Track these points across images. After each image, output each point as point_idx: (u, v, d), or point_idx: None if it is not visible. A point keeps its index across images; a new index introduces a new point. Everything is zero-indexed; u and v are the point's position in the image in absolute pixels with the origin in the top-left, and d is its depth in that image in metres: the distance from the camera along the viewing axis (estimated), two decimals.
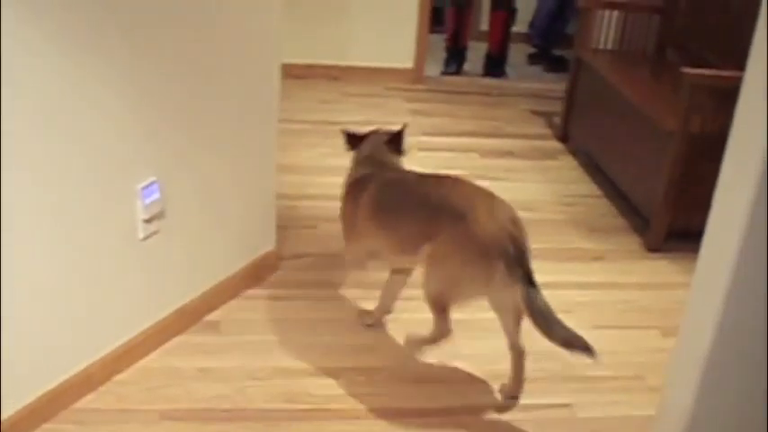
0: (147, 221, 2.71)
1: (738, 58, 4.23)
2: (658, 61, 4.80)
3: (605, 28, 4.95)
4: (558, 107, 5.46)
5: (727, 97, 3.95)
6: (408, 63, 5.69)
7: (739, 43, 4.26)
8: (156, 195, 2.73)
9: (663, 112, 3.94)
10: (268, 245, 3.39)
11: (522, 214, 4.10)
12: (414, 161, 4.59)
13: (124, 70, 2.45)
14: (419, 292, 2.72)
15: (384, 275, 3.12)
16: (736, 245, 2.31)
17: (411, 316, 3.08)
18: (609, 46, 5.06)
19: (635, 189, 4.15)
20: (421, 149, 4.69)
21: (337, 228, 3.25)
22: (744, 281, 2.27)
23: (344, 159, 4.43)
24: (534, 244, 3.85)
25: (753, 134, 2.14)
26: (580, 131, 4.82)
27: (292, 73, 5.23)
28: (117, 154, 2.53)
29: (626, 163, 4.23)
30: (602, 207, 4.31)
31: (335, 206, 4.00)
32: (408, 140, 4.84)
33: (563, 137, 5.02)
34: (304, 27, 5.45)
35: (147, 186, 2.68)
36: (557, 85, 6.03)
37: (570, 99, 4.89)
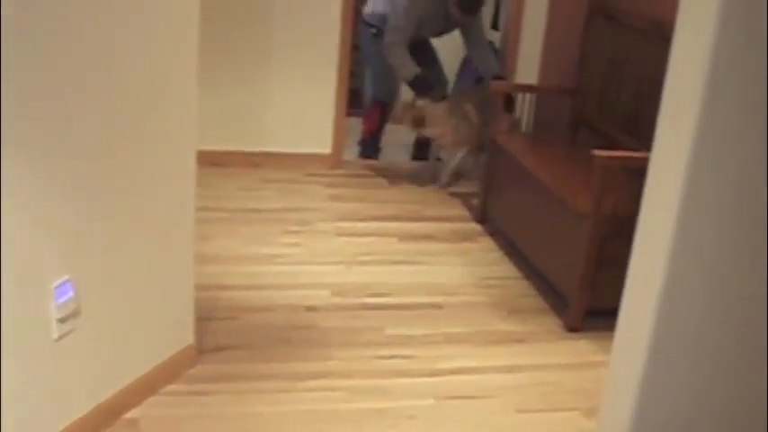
0: (62, 321, 2.65)
1: (646, 139, 4.39)
2: (571, 143, 4.92)
3: (524, 111, 5.05)
4: (475, 187, 5.55)
5: (637, 178, 4.10)
6: (326, 148, 5.73)
7: (646, 124, 4.42)
8: (70, 294, 2.68)
9: (576, 194, 4.02)
10: (187, 338, 3.34)
11: (441, 299, 4.18)
12: (332, 247, 4.63)
13: (34, 161, 2.41)
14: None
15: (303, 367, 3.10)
16: (650, 323, 2.36)
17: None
18: (528, 128, 5.18)
19: (552, 270, 4.21)
20: (339, 235, 4.72)
21: (259, 318, 3.25)
22: (660, 356, 2.32)
23: (265, 247, 4.45)
24: (455, 328, 3.90)
25: (661, 213, 2.21)
26: (498, 213, 4.89)
27: (211, 160, 5.24)
28: (28, 251, 2.47)
29: (543, 244, 4.30)
30: (521, 288, 4.36)
31: (257, 296, 4.00)
32: (326, 227, 4.88)
33: (481, 219, 5.08)
34: (222, 113, 5.47)
35: (60, 285, 2.63)
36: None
37: (487, 181, 4.97)
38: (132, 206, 2.86)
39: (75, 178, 2.59)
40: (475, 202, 5.35)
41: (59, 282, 2.63)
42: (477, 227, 5.06)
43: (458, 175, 5.69)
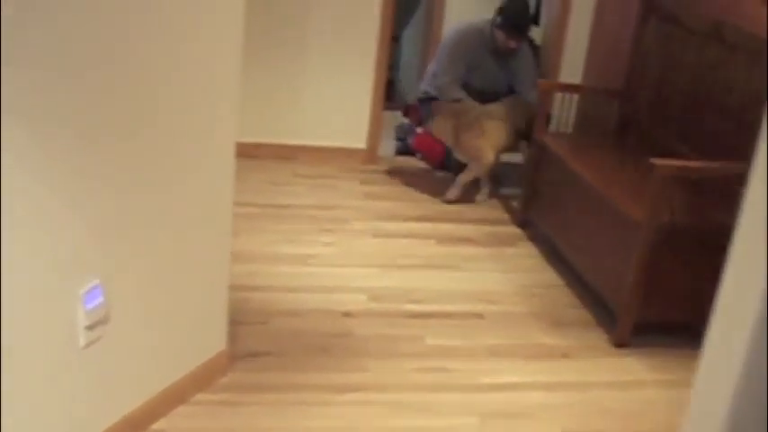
0: (89, 328, 2.48)
1: (700, 147, 4.19)
2: (619, 146, 4.71)
3: (565, 110, 4.85)
4: (517, 188, 5.34)
5: (695, 188, 3.91)
6: (361, 143, 5.53)
7: (701, 132, 4.22)
8: (100, 299, 2.51)
9: (629, 202, 3.83)
10: (219, 344, 3.16)
11: (482, 307, 3.99)
12: (368, 248, 4.44)
13: (61, 162, 2.24)
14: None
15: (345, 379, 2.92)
16: (742, 349, 2.15)
17: None
18: (569, 129, 4.98)
19: (599, 280, 4.01)
20: (375, 235, 4.53)
21: (293, 323, 3.06)
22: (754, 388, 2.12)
23: (296, 246, 4.27)
24: (496, 340, 3.70)
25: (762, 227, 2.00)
26: (540, 217, 4.69)
27: (242, 152, 5.04)
28: (56, 256, 2.30)
29: (589, 252, 4.10)
30: (564, 297, 4.16)
31: (290, 299, 3.82)
32: (361, 226, 4.69)
33: (522, 222, 4.88)
34: (254, 104, 5.28)
35: (89, 291, 2.46)
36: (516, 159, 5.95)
37: (530, 184, 4.77)
38: (166, 203, 2.69)
39: (103, 174, 2.41)
40: (515, 205, 5.14)
41: (89, 287, 2.45)
42: (517, 231, 4.86)
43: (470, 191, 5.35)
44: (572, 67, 5.53)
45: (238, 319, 3.52)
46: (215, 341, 3.15)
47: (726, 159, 3.79)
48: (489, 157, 4.97)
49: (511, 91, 5.27)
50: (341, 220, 4.66)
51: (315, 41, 5.28)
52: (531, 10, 6.30)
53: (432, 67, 5.34)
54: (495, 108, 5.00)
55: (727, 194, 3.68)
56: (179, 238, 2.79)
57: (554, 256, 4.51)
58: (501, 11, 5.10)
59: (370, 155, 5.56)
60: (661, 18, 4.57)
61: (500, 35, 5.10)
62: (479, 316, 3.90)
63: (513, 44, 5.14)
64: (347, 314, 3.75)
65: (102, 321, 2.54)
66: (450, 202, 5.12)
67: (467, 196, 5.19)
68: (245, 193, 4.70)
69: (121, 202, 2.50)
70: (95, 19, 2.23)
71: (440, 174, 5.56)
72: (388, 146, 5.78)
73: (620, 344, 3.81)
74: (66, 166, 2.26)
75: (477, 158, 5.01)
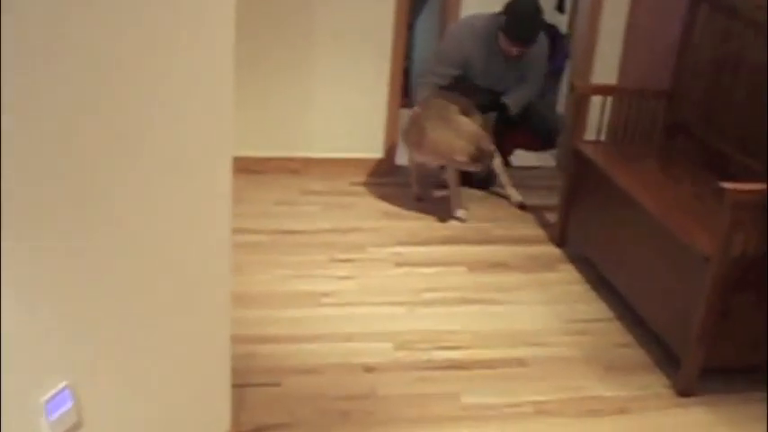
0: None
1: (764, 155, 3.64)
2: (668, 156, 4.16)
3: (601, 115, 4.30)
4: (548, 198, 4.81)
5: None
6: (377, 152, 4.99)
7: (764, 137, 3.67)
8: (68, 404, 1.99)
9: (692, 229, 3.32)
10: (223, 424, 2.65)
11: (524, 351, 3.47)
12: (390, 281, 3.91)
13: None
14: None
15: None
16: None
17: None
18: (603, 135, 4.44)
19: (658, 317, 3.50)
20: (398, 264, 4.01)
21: (308, 383, 2.56)
22: None
23: (309, 282, 3.74)
24: (544, 394, 3.17)
25: None
26: (581, 236, 4.17)
27: (245, 167, 4.54)
28: (8, 358, 1.78)
29: (644, 284, 3.58)
30: (616, 335, 3.65)
31: (303, 351, 3.30)
32: (381, 254, 4.17)
33: (560, 241, 4.35)
34: (257, 114, 4.75)
35: (53, 397, 1.94)
36: (543, 162, 5.43)
37: (568, 197, 4.23)
38: (150, 265, 2.15)
39: (69, 230, 1.87)
40: (552, 219, 4.60)
41: (53, 392, 1.94)
42: (556, 251, 4.33)
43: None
44: (606, 66, 4.98)
45: (245, 381, 3.02)
46: (217, 420, 2.65)
47: None
48: (465, 149, 4.39)
49: None
50: (358, 247, 4.14)
51: (321, 38, 4.74)
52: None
53: (431, 55, 4.82)
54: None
55: None
56: (166, 295, 2.26)
57: (600, 282, 3.99)
58: (505, 11, 4.56)
59: (387, 164, 5.03)
60: (714, 7, 4.01)
61: (503, 40, 4.57)
62: (522, 363, 3.38)
63: (515, 52, 4.62)
64: (370, 369, 3.25)
65: (73, 429, 2.02)
66: (462, 220, 4.58)
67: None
68: (248, 218, 4.20)
69: (93, 262, 1.97)
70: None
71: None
72: (404, 150, 5.10)
73: (685, 392, 3.31)
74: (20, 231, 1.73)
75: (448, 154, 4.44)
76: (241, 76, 4.36)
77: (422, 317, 3.63)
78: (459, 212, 4.53)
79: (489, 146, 4.38)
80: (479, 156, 4.29)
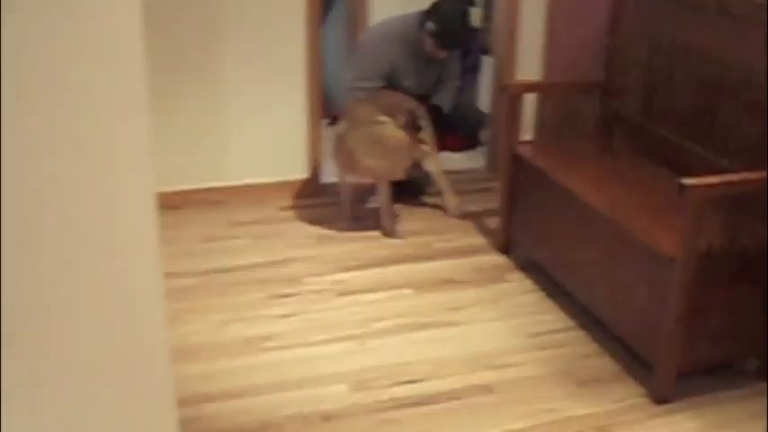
0: None
1: (712, 140, 3.49)
2: (609, 149, 3.99)
3: (537, 112, 4.11)
4: (484, 202, 4.60)
5: (737, 205, 3.21)
6: (302, 172, 4.72)
7: (712, 122, 3.51)
8: None
9: (651, 229, 3.14)
10: None
11: (488, 376, 3.24)
12: (335, 314, 3.65)
13: None
14: None
15: None
16: None
17: None
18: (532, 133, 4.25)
19: (621, 321, 3.32)
20: (340, 293, 3.76)
21: None
22: None
23: (249, 326, 3.43)
24: (516, 422, 2.93)
25: None
26: (527, 241, 3.97)
27: (162, 204, 4.19)
28: None
29: (603, 287, 3.39)
30: (580, 345, 3.46)
31: (253, 407, 3.02)
32: (321, 284, 3.90)
33: (505, 248, 4.15)
34: (170, 147, 4.43)
35: None
36: (471, 163, 5.22)
37: (509, 202, 4.02)
38: (68, 328, 1.84)
39: None
40: (492, 225, 4.40)
41: None
42: (502, 259, 4.13)
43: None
44: (530, 60, 4.80)
45: None
46: None
47: (750, 157, 3.14)
48: (401, 165, 4.29)
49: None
50: (295, 279, 3.87)
51: (231, 60, 4.44)
52: None
53: (350, 71, 4.55)
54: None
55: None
56: (90, 365, 1.94)
57: (554, 289, 3.80)
58: (432, 15, 4.37)
59: (314, 184, 4.76)
60: None
61: (429, 43, 4.39)
62: (488, 389, 3.17)
63: (442, 54, 4.48)
64: (327, 417, 2.99)
65: None
66: (398, 236, 4.33)
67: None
68: (174, 260, 3.90)
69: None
70: None
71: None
72: (330, 167, 4.80)
73: (662, 400, 3.14)
74: None
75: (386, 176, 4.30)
76: (157, 110, 4.06)
77: (374, 350, 3.38)
78: (394, 227, 4.27)
79: (421, 149, 4.17)
80: (415, 163, 4.08)
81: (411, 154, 4.14)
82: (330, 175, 4.72)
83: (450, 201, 4.58)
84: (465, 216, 4.59)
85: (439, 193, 4.65)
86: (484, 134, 5.51)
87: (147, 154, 2.05)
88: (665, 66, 3.69)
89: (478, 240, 4.33)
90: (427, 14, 4.36)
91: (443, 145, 4.79)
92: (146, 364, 2.16)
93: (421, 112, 4.31)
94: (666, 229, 3.08)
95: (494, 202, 4.54)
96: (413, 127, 4.25)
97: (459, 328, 3.55)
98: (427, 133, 4.33)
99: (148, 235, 2.07)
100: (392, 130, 4.10)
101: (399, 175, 4.18)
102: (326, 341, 3.42)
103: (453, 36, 4.41)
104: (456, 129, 5.22)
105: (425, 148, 4.29)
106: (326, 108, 4.97)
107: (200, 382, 3.13)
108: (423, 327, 3.55)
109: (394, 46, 4.42)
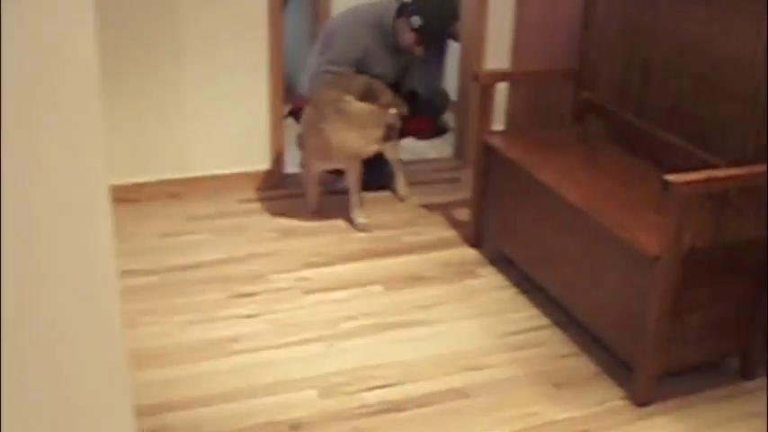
0: None
1: (691, 130, 3.37)
2: (584, 140, 3.87)
3: (508, 102, 3.97)
4: (453, 193, 4.47)
5: (720, 201, 3.10)
6: (264, 163, 4.54)
7: (692, 111, 3.40)
8: None
9: (632, 226, 3.03)
10: None
11: (462, 379, 3.11)
12: (301, 314, 3.49)
13: None
14: None
15: None
16: None
17: None
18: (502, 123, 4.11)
19: (599, 319, 3.21)
20: (307, 291, 3.61)
21: None
22: None
23: (212, 328, 3.26)
24: (496, 429, 2.81)
25: None
26: (499, 235, 3.85)
27: (118, 197, 4.02)
28: None
29: (580, 285, 3.28)
30: (556, 344, 3.34)
31: (219, 415, 2.87)
32: (287, 281, 3.74)
33: (476, 241, 4.02)
34: (124, 136, 4.23)
35: None
36: (438, 152, 5.09)
37: (480, 194, 3.89)
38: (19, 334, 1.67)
39: None
40: (461, 217, 4.27)
41: None
42: (472, 253, 4.00)
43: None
44: (498, 46, 4.67)
45: None
46: None
47: (733, 146, 3.04)
48: (374, 137, 4.08)
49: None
50: (259, 277, 3.71)
51: (189, 43, 4.25)
52: None
53: (318, 54, 4.36)
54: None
55: (750, 199, 2.92)
56: (39, 373, 1.77)
57: (528, 284, 3.68)
58: (419, 10, 4.21)
59: (276, 175, 4.58)
60: None
61: (409, 37, 4.26)
62: (462, 393, 3.04)
63: (419, 51, 4.35)
64: (296, 426, 2.85)
65: None
66: (365, 229, 4.17)
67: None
68: (131, 257, 3.72)
69: None
70: None
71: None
72: (293, 157, 4.66)
73: (643, 402, 3.03)
74: None
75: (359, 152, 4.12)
76: (102, 93, 3.85)
77: (343, 352, 3.23)
78: (360, 219, 4.12)
79: (389, 113, 4.05)
80: (389, 133, 3.92)
81: (381, 120, 3.96)
82: (293, 165, 4.55)
83: (401, 185, 4.43)
84: (433, 207, 4.44)
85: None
86: (450, 119, 5.37)
87: (101, 148, 1.88)
88: (643, 53, 3.58)
89: (448, 233, 4.19)
90: (412, 7, 4.20)
91: (410, 129, 4.60)
92: (100, 370, 2.00)
93: (378, 85, 4.13)
94: (647, 227, 2.97)
95: (462, 192, 4.42)
96: (371, 97, 4.06)
97: (431, 327, 3.42)
98: (387, 96, 4.13)
99: (102, 233, 1.90)
100: (357, 103, 3.93)
101: (373, 147, 4.00)
102: (294, 343, 3.27)
103: (437, 36, 4.34)
104: (422, 112, 5.02)
105: (392, 111, 4.08)
106: (287, 94, 4.78)
107: (161, 389, 2.97)
108: (393, 326, 3.41)
109: (368, 32, 4.27)
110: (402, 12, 4.26)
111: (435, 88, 5.32)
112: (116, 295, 2.03)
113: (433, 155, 5.18)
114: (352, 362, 3.18)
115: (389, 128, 3.95)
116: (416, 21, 4.18)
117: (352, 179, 4.12)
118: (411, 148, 5.06)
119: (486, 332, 3.39)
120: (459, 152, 5.04)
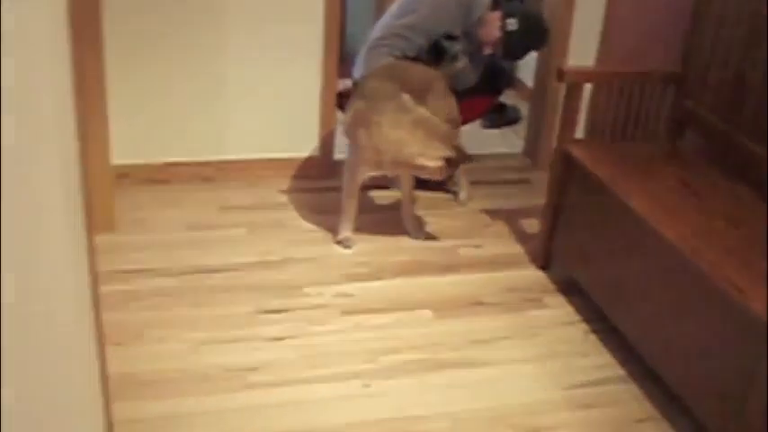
0: None
1: None
2: (683, 159, 3.31)
3: (591, 107, 3.41)
4: (520, 197, 3.94)
5: None
6: (311, 148, 4.04)
7: None
8: None
9: (738, 279, 2.48)
10: None
11: None
12: (339, 341, 3.01)
13: None
14: None
15: None
16: None
17: None
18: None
19: (689, 383, 2.68)
20: (345, 312, 3.12)
21: None
22: None
23: (231, 351, 2.75)
24: None
25: None
26: (572, 257, 3.33)
27: (146, 177, 3.58)
28: None
29: (670, 340, 2.75)
30: (632, 404, 2.84)
31: None
32: (324, 296, 3.25)
33: (544, 261, 3.49)
34: (156, 110, 3.76)
35: None
36: (508, 147, 4.54)
37: (554, 208, 3.36)
38: None
39: None
40: (528, 228, 3.75)
41: None
42: (539, 276, 3.48)
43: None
44: (583, 46, 4.10)
45: None
46: None
47: None
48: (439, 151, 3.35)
49: None
50: (293, 288, 3.23)
51: (234, 8, 3.70)
52: None
53: (393, 17, 3.83)
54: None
55: None
56: None
57: (600, 321, 3.16)
58: (519, 15, 3.79)
59: (325, 164, 4.08)
60: None
61: (494, 35, 3.81)
62: None
63: (492, 51, 3.89)
64: None
65: None
66: (347, 244, 3.60)
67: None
68: (152, 252, 3.29)
69: None
70: None
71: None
72: (343, 141, 4.04)
73: None
74: None
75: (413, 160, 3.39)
76: (135, 62, 3.36)
77: (382, 395, 2.75)
78: (344, 234, 3.57)
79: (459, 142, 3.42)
80: (454, 159, 3.35)
81: (447, 136, 3.38)
82: (342, 150, 3.98)
83: (463, 186, 3.90)
84: (497, 214, 3.91)
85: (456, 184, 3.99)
86: (522, 107, 4.83)
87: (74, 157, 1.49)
88: (760, 59, 2.98)
89: (513, 249, 3.67)
90: (512, 6, 3.80)
91: (467, 110, 3.97)
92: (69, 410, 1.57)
93: (439, 83, 3.58)
94: (759, 280, 2.42)
95: (532, 198, 3.93)
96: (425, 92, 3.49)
97: (487, 369, 2.92)
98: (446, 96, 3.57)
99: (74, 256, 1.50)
100: (422, 109, 3.36)
101: (432, 165, 3.36)
102: (323, 378, 2.80)
103: (522, 50, 3.93)
104: (478, 90, 4.33)
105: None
106: (347, 63, 4.19)
107: (165, 426, 2.50)
108: (442, 365, 2.91)
109: (457, 10, 3.79)
110: (499, 5, 3.77)
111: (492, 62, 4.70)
112: (91, 325, 1.63)
113: (501, 149, 4.63)
114: (390, 409, 2.70)
115: (456, 150, 3.35)
116: (513, 24, 3.74)
117: (405, 183, 3.59)
118: (476, 136, 4.49)
119: (550, 381, 2.87)
120: (530, 150, 4.51)
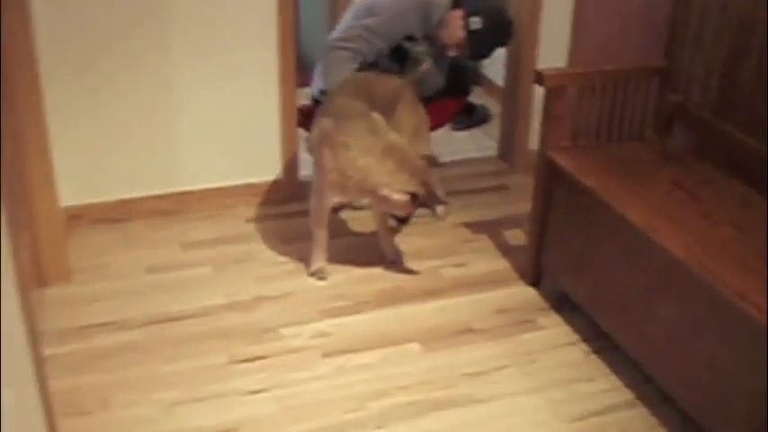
0: None
1: None
2: (673, 157, 3.08)
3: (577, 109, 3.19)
4: (500, 206, 3.75)
5: None
6: (273, 172, 3.78)
7: None
8: None
9: (751, 291, 2.24)
10: None
11: None
12: (321, 389, 2.76)
13: None
14: None
15: None
16: None
17: None
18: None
19: (702, 405, 2.48)
20: (326, 354, 2.87)
21: None
22: None
23: (207, 409, 2.48)
24: None
25: None
26: (563, 271, 3.12)
27: (101, 216, 3.32)
28: None
29: (679, 359, 2.54)
30: (643, 427, 2.57)
31: None
32: (301, 338, 3.00)
33: (533, 276, 3.26)
34: (108, 145, 3.48)
35: None
36: (481, 150, 4.29)
37: (541, 219, 3.14)
38: None
39: None
40: (513, 240, 3.52)
41: None
42: (530, 293, 3.26)
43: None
44: (553, 43, 3.89)
45: None
46: None
47: None
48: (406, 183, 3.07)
49: None
50: (268, 331, 2.99)
51: (184, 30, 3.47)
52: None
53: (352, 19, 3.67)
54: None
55: None
56: None
57: (601, 339, 2.93)
58: (483, 13, 3.65)
59: (291, 186, 3.83)
60: None
61: (458, 36, 3.68)
62: None
63: (457, 53, 3.76)
64: None
65: None
66: (320, 276, 3.35)
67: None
68: (111, 302, 3.05)
69: None
70: None
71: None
72: (310, 161, 3.72)
73: None
74: None
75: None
76: (80, 98, 3.08)
77: None
78: (316, 265, 3.34)
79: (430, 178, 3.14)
80: (421, 197, 3.07)
81: (416, 169, 3.11)
82: (309, 167, 3.68)
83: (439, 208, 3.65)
84: (478, 227, 3.68)
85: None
86: (490, 105, 4.62)
87: None
88: (756, 49, 2.77)
89: (499, 265, 3.44)
90: (473, 5, 3.63)
91: (436, 114, 3.73)
92: None
93: (409, 96, 3.35)
94: (762, 287, 2.21)
95: (512, 205, 3.74)
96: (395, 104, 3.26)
97: (483, 406, 2.70)
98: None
99: None
100: (394, 134, 3.12)
101: (396, 198, 3.10)
102: None
103: (488, 48, 3.78)
104: (444, 92, 4.10)
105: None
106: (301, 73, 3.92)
107: None
108: (435, 407, 2.68)
109: (415, 14, 3.65)
110: (459, 4, 3.59)
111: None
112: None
113: (474, 153, 4.40)
114: None
115: (426, 187, 3.07)
116: (477, 23, 3.61)
117: (376, 209, 3.34)
118: (445, 141, 4.24)
119: (553, 413, 2.65)
120: (505, 152, 4.28)
